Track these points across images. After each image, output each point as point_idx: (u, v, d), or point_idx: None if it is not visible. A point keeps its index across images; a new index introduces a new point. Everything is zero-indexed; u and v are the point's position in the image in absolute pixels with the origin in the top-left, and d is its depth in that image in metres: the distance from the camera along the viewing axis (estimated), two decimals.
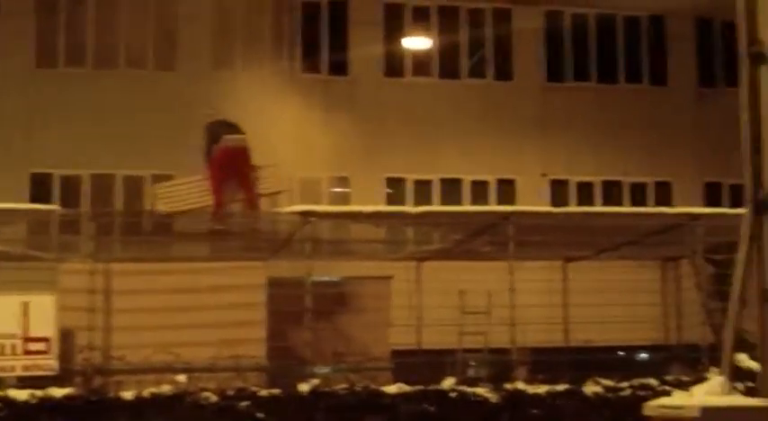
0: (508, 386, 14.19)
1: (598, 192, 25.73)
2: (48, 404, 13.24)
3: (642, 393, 13.66)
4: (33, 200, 21.77)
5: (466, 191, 25.20)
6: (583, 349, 17.30)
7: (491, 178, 25.38)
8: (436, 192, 25.06)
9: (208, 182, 17.57)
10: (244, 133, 17.86)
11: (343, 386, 13.99)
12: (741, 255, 7.59)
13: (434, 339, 17.25)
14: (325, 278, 17.29)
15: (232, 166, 17.52)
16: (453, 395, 13.94)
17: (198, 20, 24.63)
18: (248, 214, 17.48)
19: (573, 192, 25.62)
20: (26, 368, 14.49)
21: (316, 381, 14.04)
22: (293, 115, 24.26)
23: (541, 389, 14.18)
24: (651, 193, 25.98)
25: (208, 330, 14.79)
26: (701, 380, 12.19)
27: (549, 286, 17.91)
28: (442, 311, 16.85)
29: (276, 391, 13.71)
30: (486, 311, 17.05)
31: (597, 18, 26.65)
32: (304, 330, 15.11)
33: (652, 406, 7.59)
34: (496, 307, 16.44)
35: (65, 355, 14.82)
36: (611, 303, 15.51)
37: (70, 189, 23.56)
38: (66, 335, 14.95)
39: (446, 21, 26.06)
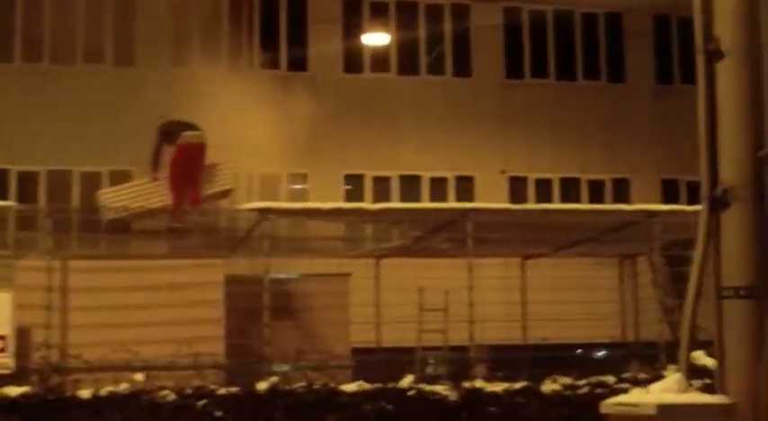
0: (467, 384, 14.19)
1: (556, 189, 25.82)
2: (3, 403, 13.08)
3: (600, 391, 13.68)
4: None
5: (425, 187, 25.22)
6: (541, 347, 17.38)
7: (450, 175, 25.41)
8: (395, 188, 25.07)
9: (158, 183, 17.43)
10: (201, 130, 17.79)
11: (302, 384, 13.95)
12: (698, 253, 7.63)
13: (394, 337, 17.25)
14: (284, 275, 17.26)
15: (190, 163, 17.44)
16: (412, 393, 13.93)
17: (156, 15, 24.49)
18: (207, 211, 17.43)
19: (531, 189, 25.70)
20: None
21: (274, 380, 13.99)
22: (252, 111, 24.15)
23: (500, 387, 14.19)
24: (609, 190, 26.11)
25: (166, 328, 14.72)
26: (658, 377, 12.27)
27: (507, 283, 17.97)
28: (401, 309, 16.85)
29: (234, 389, 13.66)
30: (444, 309, 17.09)
31: (555, 15, 26.74)
32: (262, 328, 15.07)
33: (609, 403, 7.61)
34: (455, 304, 16.46)
35: (21, 353, 14.72)
36: (570, 300, 15.59)
37: (27, 185, 23.39)
38: (22, 333, 14.84)
39: (405, 17, 26.06)
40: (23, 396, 13.28)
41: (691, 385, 7.50)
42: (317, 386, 13.88)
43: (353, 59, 25.79)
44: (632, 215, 16.72)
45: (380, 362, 16.52)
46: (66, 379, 14.60)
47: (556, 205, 22.03)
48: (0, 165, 23.35)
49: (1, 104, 23.45)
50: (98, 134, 23.37)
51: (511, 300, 18.05)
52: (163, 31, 24.60)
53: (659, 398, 7.28)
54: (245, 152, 21.63)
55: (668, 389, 7.42)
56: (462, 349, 16.30)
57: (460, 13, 26.28)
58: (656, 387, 7.49)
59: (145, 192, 17.59)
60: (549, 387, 14.34)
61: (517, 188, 25.42)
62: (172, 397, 13.41)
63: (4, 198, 20.35)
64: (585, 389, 14.25)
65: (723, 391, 7.46)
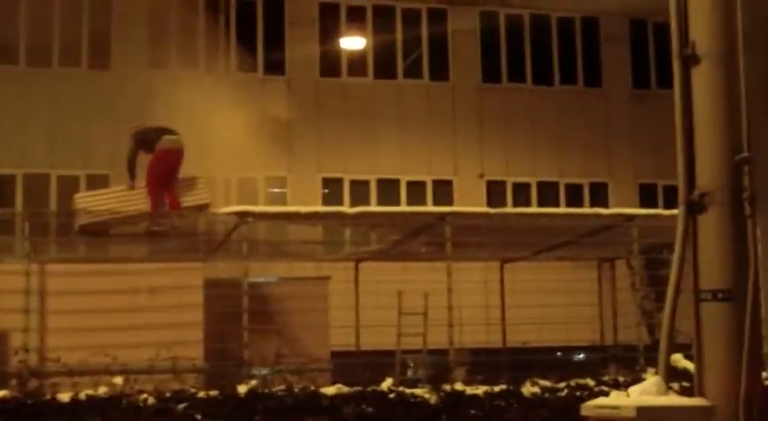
0: (447, 387, 14.22)
1: (534, 193, 25.91)
2: None
3: (579, 393, 13.76)
4: None
5: (403, 191, 25.27)
6: (521, 350, 17.42)
7: (428, 179, 25.47)
8: (373, 192, 25.10)
9: (136, 191, 17.32)
10: (179, 134, 17.72)
11: (282, 387, 13.96)
12: (676, 256, 7.67)
13: (373, 340, 17.29)
14: (263, 279, 17.25)
15: (170, 167, 17.33)
16: (392, 396, 13.93)
17: (133, 18, 24.46)
18: (186, 215, 17.36)
19: (509, 193, 25.78)
20: None
21: (254, 383, 13.99)
22: (229, 114, 24.13)
23: (480, 389, 14.20)
24: (587, 194, 26.21)
25: (145, 332, 14.68)
26: (637, 380, 12.36)
27: (486, 287, 18.02)
28: (380, 312, 16.88)
29: (214, 393, 13.62)
30: (424, 312, 17.12)
31: (532, 19, 26.84)
32: (242, 331, 15.07)
33: (589, 406, 7.65)
34: (434, 308, 16.50)
35: None
36: (548, 304, 15.63)
37: (4, 188, 23.32)
38: (0, 337, 14.78)
39: (381, 20, 26.11)
40: (2, 400, 13.21)
41: (670, 388, 7.55)
42: (296, 389, 13.89)
43: (330, 63, 25.82)
44: (610, 219, 16.77)
45: (360, 365, 16.53)
46: (44, 382, 14.55)
47: (534, 209, 22.12)
48: None
49: None
50: (75, 137, 23.34)
51: (490, 304, 18.12)
52: (139, 34, 24.57)
53: (639, 401, 7.32)
54: (222, 155, 21.62)
55: (647, 391, 7.46)
56: (442, 352, 16.32)
57: (437, 17, 26.35)
58: (635, 389, 7.53)
59: (122, 199, 17.47)
60: (529, 390, 14.37)
61: (495, 192, 25.49)
62: (151, 400, 13.37)
63: None
64: (565, 392, 14.29)
65: (702, 394, 7.51)
